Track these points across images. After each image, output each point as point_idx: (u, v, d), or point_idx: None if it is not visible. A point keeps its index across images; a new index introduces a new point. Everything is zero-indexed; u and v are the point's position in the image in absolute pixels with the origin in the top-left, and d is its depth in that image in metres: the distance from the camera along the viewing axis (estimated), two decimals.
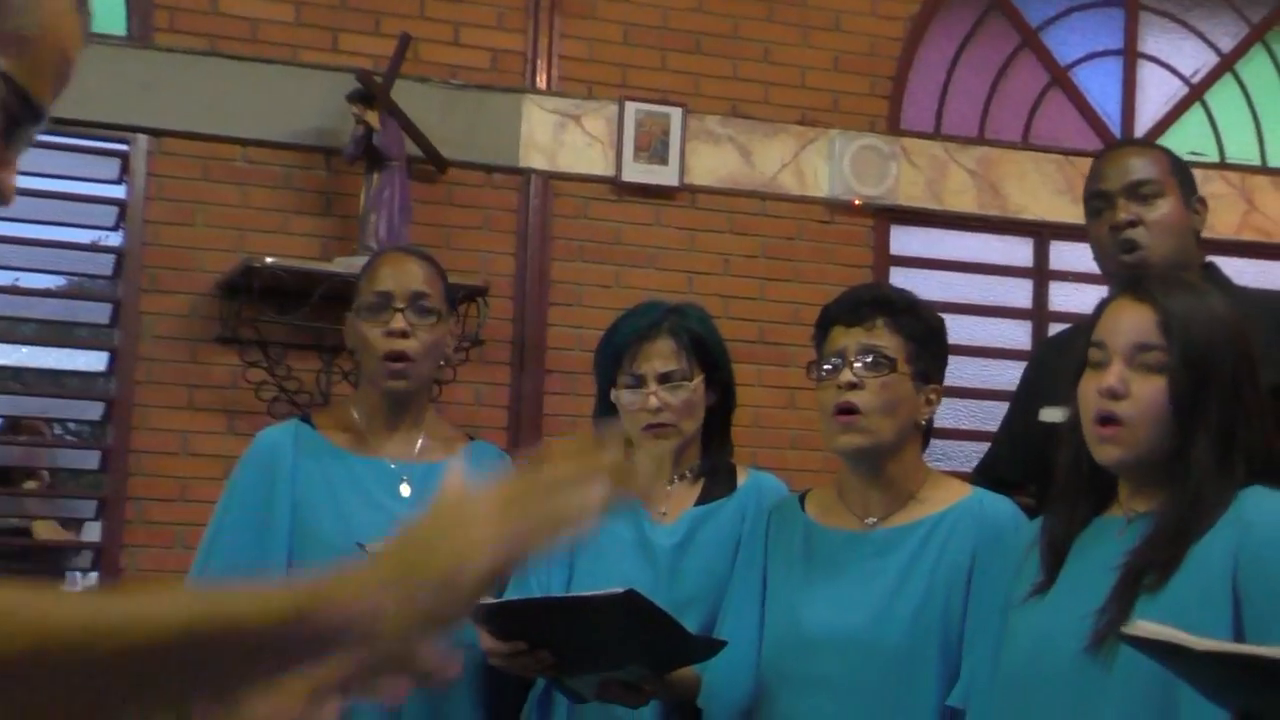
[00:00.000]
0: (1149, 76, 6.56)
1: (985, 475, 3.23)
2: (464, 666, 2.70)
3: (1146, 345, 2.04)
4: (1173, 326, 2.03)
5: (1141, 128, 6.52)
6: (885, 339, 2.50)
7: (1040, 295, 6.35)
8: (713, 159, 5.90)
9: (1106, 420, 2.03)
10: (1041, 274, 6.36)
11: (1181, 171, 2.94)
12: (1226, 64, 6.58)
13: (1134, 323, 2.06)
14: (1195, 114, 6.53)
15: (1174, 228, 2.86)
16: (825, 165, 6.00)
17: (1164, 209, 2.86)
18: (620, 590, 2.31)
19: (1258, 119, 6.55)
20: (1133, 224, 2.83)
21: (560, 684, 2.61)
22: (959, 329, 6.21)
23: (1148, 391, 2.02)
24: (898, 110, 6.18)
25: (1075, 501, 2.14)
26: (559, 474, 1.14)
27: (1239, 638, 1.90)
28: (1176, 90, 6.59)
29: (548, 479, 1.14)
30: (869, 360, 2.48)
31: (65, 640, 0.95)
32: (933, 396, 2.55)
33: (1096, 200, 2.92)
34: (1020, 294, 6.37)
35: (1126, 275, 2.81)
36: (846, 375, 2.47)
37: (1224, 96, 6.56)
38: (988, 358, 6.29)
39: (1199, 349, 2.02)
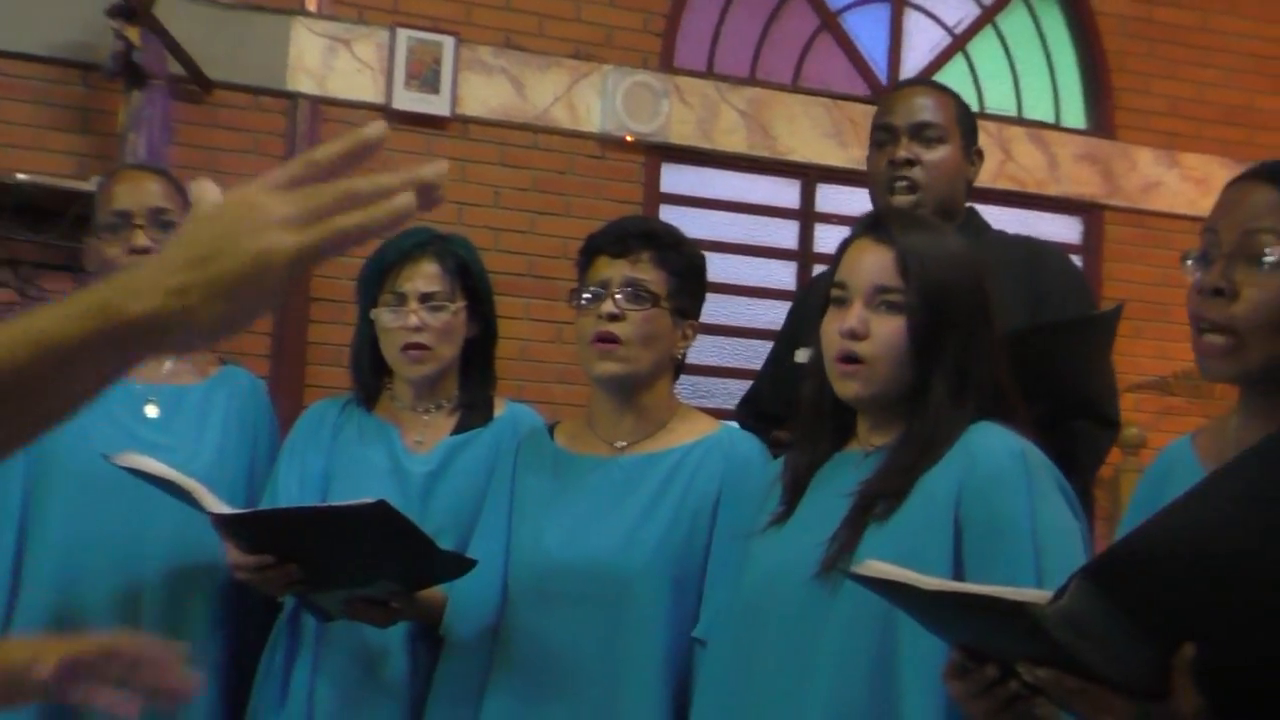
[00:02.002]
0: (915, 25, 6.71)
1: (748, 408, 3.31)
2: (201, 587, 2.72)
3: (886, 286, 2.10)
4: (911, 267, 2.09)
5: (907, 75, 6.67)
6: (649, 273, 2.53)
7: (806, 237, 6.48)
8: (485, 90, 5.86)
9: (848, 359, 2.09)
10: (808, 216, 6.48)
11: (966, 120, 3.04)
12: (988, 16, 6.77)
13: (874, 263, 2.11)
14: (957, 63, 6.71)
15: (949, 173, 2.95)
16: (598, 100, 6.01)
17: (943, 153, 2.95)
18: (371, 501, 2.31)
19: (1015, 71, 6.76)
20: (911, 162, 2.91)
21: (307, 601, 2.60)
22: (726, 268, 6.31)
23: (887, 330, 2.08)
24: (671, 48, 6.22)
25: (816, 436, 2.19)
26: (341, 153, 1.12)
27: (958, 566, 1.97)
28: (941, 39, 6.75)
29: (330, 159, 1.11)
30: (631, 292, 2.51)
31: None
32: (689, 332, 2.59)
33: (881, 133, 3.00)
34: (787, 235, 6.49)
35: (869, 215, 2.92)
36: (608, 305, 2.50)
37: (984, 48, 6.75)
38: (753, 297, 6.40)
39: (937, 289, 2.08)
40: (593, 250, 2.58)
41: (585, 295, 2.54)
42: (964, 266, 2.13)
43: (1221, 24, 6.93)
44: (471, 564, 2.46)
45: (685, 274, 2.57)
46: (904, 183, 2.91)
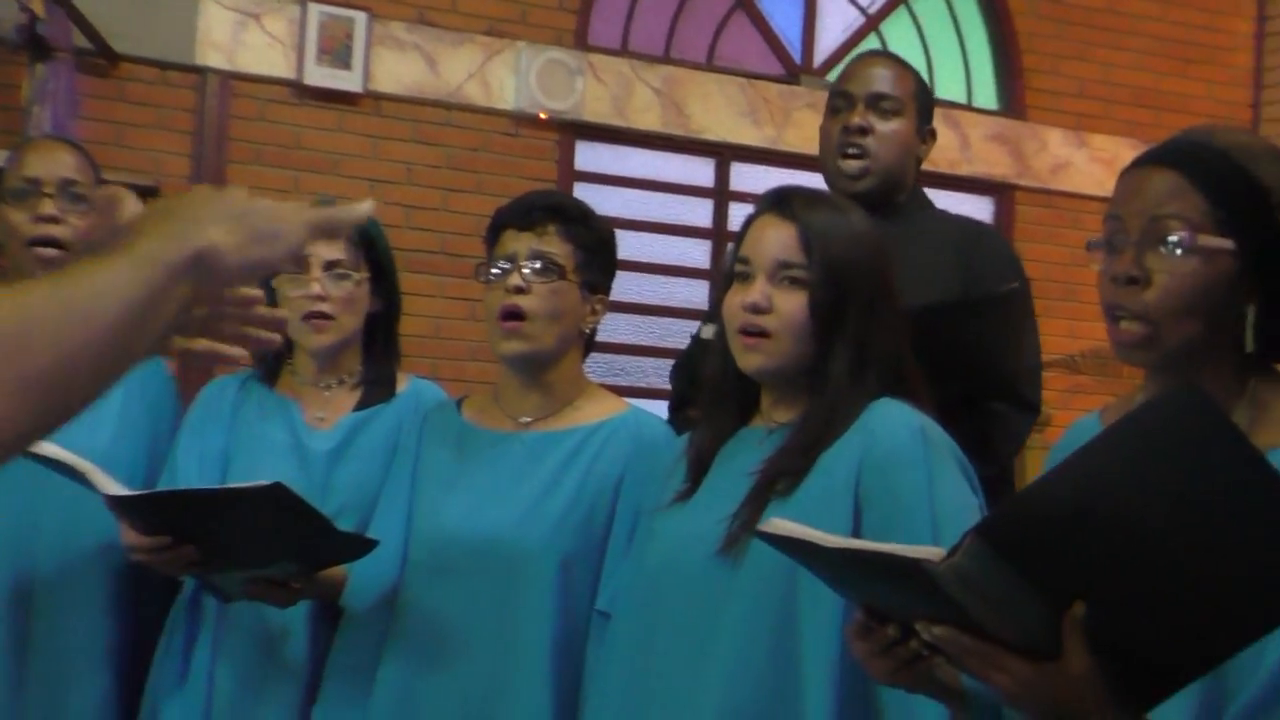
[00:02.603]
0: (829, 4, 6.74)
1: (683, 373, 3.30)
2: (96, 569, 2.68)
3: (789, 263, 2.11)
4: (813, 243, 2.10)
5: (821, 55, 6.71)
6: (556, 246, 2.52)
7: (720, 215, 6.50)
8: (398, 66, 5.82)
9: (750, 332, 2.10)
10: (722, 194, 6.50)
11: (923, 97, 3.06)
12: None
13: (777, 239, 2.12)
14: (871, 43, 6.74)
15: (900, 146, 2.97)
16: (512, 77, 5.99)
17: (896, 126, 2.97)
18: (267, 483, 2.29)
19: (928, 52, 6.81)
20: (864, 130, 2.93)
21: (206, 582, 2.58)
22: (641, 246, 6.32)
23: (790, 305, 2.09)
24: (585, 25, 6.21)
25: (720, 412, 2.20)
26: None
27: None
28: (854, 20, 6.79)
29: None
30: (538, 266, 2.50)
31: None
32: (598, 307, 2.58)
33: (838, 99, 3.01)
34: (701, 213, 6.51)
35: (843, 180, 2.93)
36: (515, 279, 2.49)
37: (898, 28, 6.79)
38: (668, 275, 6.41)
39: (839, 266, 2.09)
40: (500, 225, 2.57)
41: (493, 270, 2.53)
42: (866, 245, 2.14)
43: (1130, 7, 7.01)
44: (372, 544, 2.44)
45: (593, 248, 2.56)
46: (854, 149, 2.93)
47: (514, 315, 2.49)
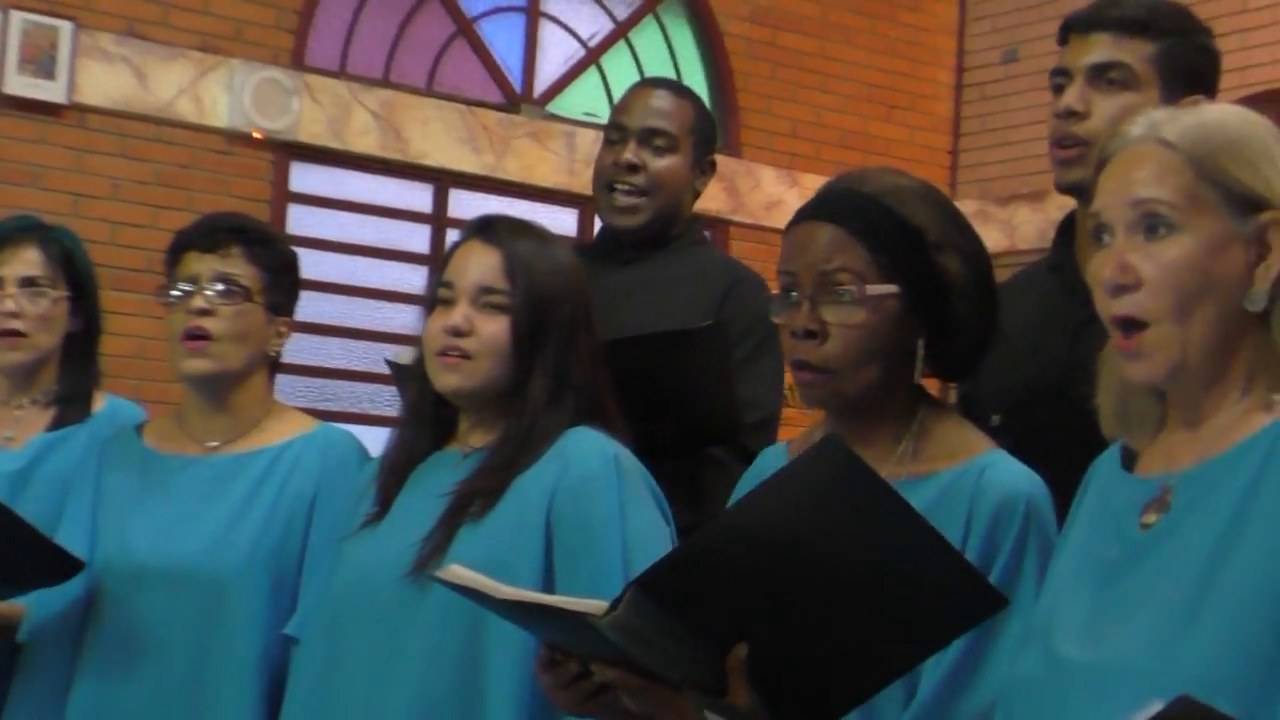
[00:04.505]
0: (550, 35, 6.81)
1: None
2: None
3: (491, 288, 2.12)
4: (517, 271, 2.12)
5: (541, 85, 6.77)
6: (240, 267, 2.50)
7: (438, 241, 6.49)
8: (105, 79, 5.65)
9: (448, 353, 2.11)
10: (440, 221, 6.49)
11: (702, 129, 2.98)
12: (621, 31, 6.91)
13: (480, 265, 2.14)
14: (591, 76, 6.83)
15: (673, 183, 2.90)
16: (225, 95, 5.87)
17: (669, 163, 2.90)
18: None
19: None
20: (634, 168, 2.89)
21: None
22: (356, 271, 6.26)
23: (491, 329, 2.11)
24: (303, 45, 6.14)
25: (416, 434, 2.20)
26: None
27: (549, 568, 2.02)
28: (575, 51, 6.87)
29: None
30: (221, 288, 2.47)
31: None
32: (283, 329, 2.56)
33: (613, 131, 2.94)
34: (418, 239, 6.49)
35: (613, 215, 2.90)
36: (198, 301, 2.46)
37: (617, 61, 6.90)
38: (383, 300, 6.36)
39: (541, 294, 2.12)
40: (181, 246, 2.53)
41: (174, 292, 2.49)
42: (568, 275, 2.17)
43: (839, 53, 7.27)
44: (78, 566, 2.35)
45: (277, 270, 2.54)
46: (625, 187, 2.88)
47: (198, 337, 2.45)
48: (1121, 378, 1.59)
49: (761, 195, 6.98)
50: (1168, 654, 1.39)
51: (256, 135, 5.94)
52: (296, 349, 5.85)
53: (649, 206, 2.88)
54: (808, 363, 1.80)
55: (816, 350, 1.80)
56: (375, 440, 2.68)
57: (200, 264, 2.48)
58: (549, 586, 1.98)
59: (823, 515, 1.48)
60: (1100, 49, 2.27)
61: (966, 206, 7.40)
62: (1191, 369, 1.50)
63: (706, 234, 3.21)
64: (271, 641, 2.39)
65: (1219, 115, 1.55)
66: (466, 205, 6.43)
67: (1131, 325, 1.50)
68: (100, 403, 2.77)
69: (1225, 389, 1.51)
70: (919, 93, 7.52)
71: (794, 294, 1.83)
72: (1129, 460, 1.61)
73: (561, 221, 6.56)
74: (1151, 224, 1.49)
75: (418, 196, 6.46)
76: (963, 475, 1.78)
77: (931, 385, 1.95)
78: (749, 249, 6.91)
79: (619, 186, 2.88)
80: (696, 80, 6.99)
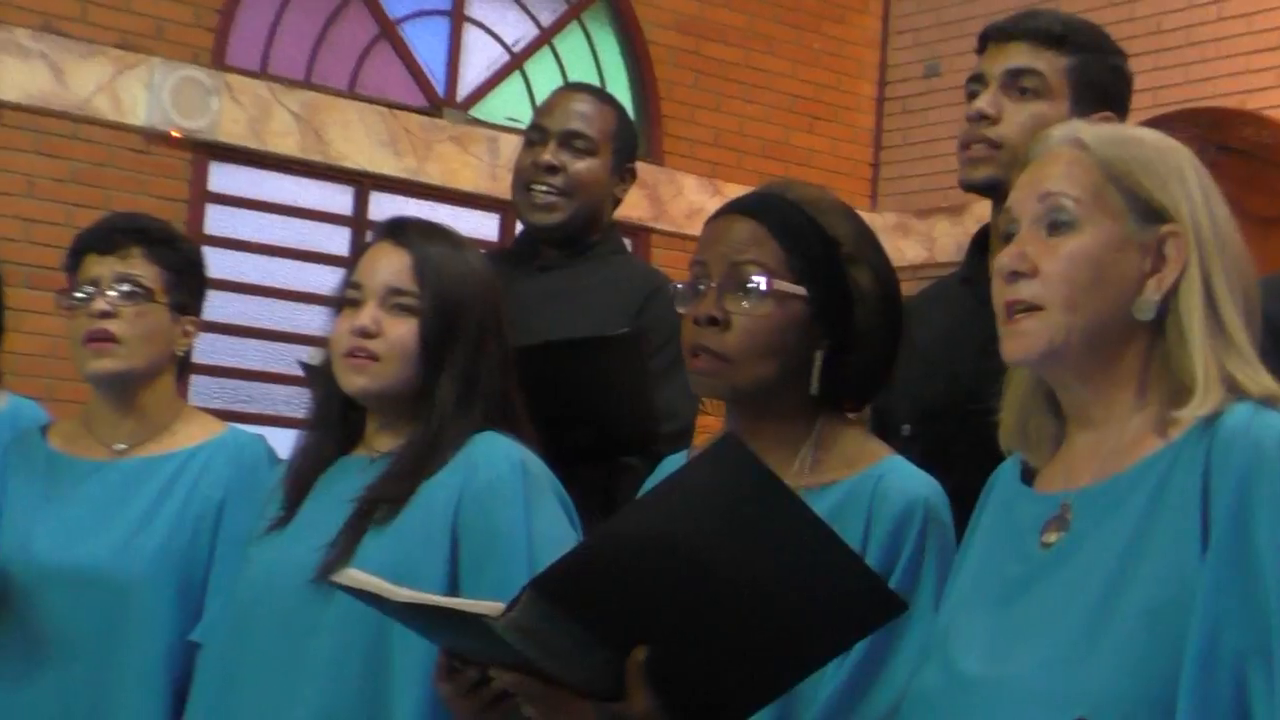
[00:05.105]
0: (474, 40, 6.79)
1: None
2: None
3: (400, 289, 2.11)
4: (427, 273, 2.11)
5: (464, 89, 6.75)
6: (142, 268, 2.48)
7: (358, 244, 6.44)
8: (21, 75, 5.58)
9: (356, 354, 2.09)
10: (360, 223, 6.46)
11: (624, 135, 2.99)
12: (545, 37, 6.91)
13: (390, 266, 2.13)
14: (515, 81, 6.82)
15: (592, 187, 2.90)
16: (144, 93, 5.82)
17: (589, 165, 2.90)
18: None
19: None
20: (553, 169, 2.88)
21: None
22: (274, 272, 6.22)
23: (399, 331, 2.09)
24: (224, 45, 6.09)
25: (322, 438, 2.18)
26: None
27: (454, 574, 2.00)
28: (499, 56, 6.85)
29: None
30: (125, 289, 2.45)
31: None
32: (190, 328, 2.54)
33: (534, 132, 2.95)
34: (338, 241, 6.45)
35: (531, 215, 2.90)
36: (100, 304, 2.43)
37: (542, 68, 6.89)
38: (303, 302, 6.31)
39: (450, 297, 2.11)
40: (81, 249, 2.51)
41: (78, 295, 2.46)
42: (479, 279, 2.16)
43: (763, 63, 7.30)
44: None
45: (181, 269, 2.52)
46: (543, 188, 2.88)
47: (102, 339, 2.43)
48: (1025, 395, 1.61)
49: (683, 203, 7.00)
50: (1068, 673, 1.40)
51: (175, 134, 5.89)
52: (213, 350, 5.80)
53: (567, 206, 2.88)
54: (705, 347, 1.81)
55: (716, 337, 1.81)
56: (292, 443, 2.67)
57: (100, 266, 2.46)
58: (454, 593, 1.96)
59: (720, 514, 1.48)
60: (1016, 56, 2.31)
61: (887, 219, 7.48)
62: (1069, 357, 1.52)
63: (626, 241, 3.21)
64: (176, 647, 2.37)
65: (1139, 132, 1.60)
66: (387, 208, 6.40)
67: (1020, 311, 1.53)
68: (2, 402, 2.73)
69: (1115, 396, 1.53)
70: (841, 104, 7.57)
71: (701, 285, 1.84)
72: (1028, 474, 1.63)
73: (483, 227, 6.55)
74: (1055, 219, 1.52)
75: (338, 199, 6.43)
76: (861, 483, 1.80)
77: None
78: (670, 257, 6.92)
79: (537, 187, 2.88)
80: (620, 87, 7.00)
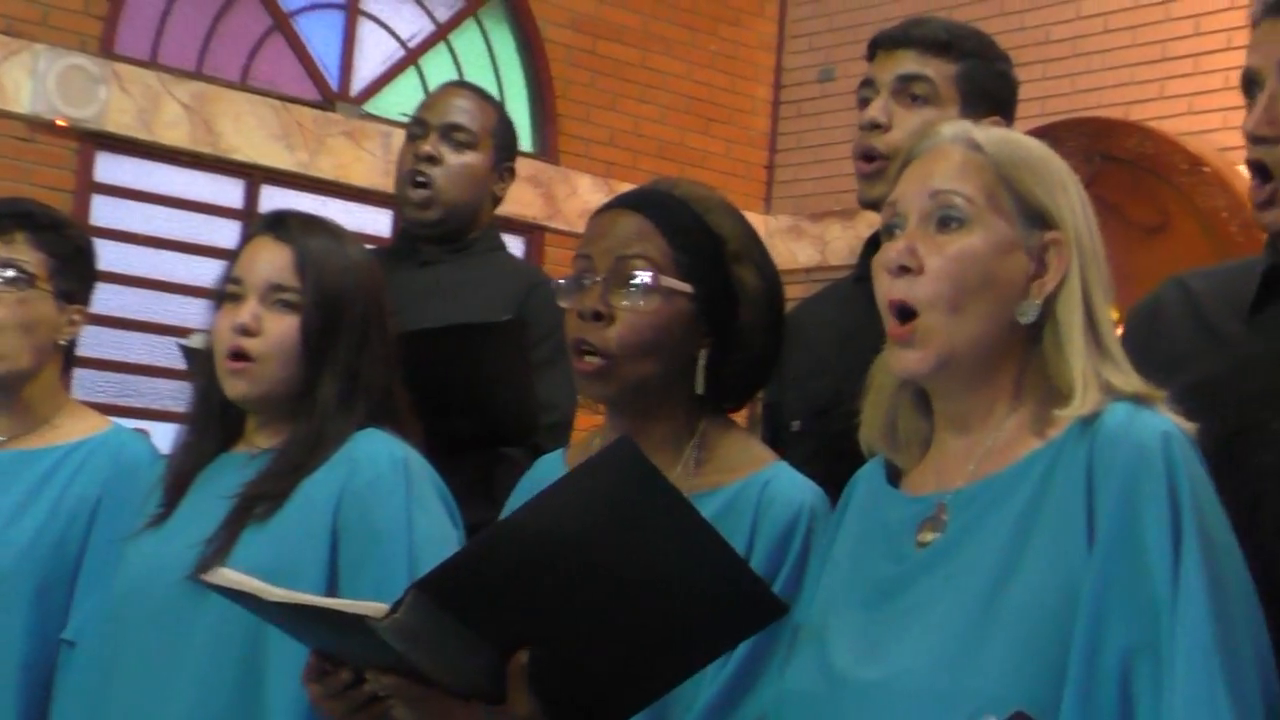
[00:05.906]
0: (369, 34, 6.74)
1: None
2: None
3: (281, 285, 2.08)
4: (308, 268, 2.08)
5: (359, 84, 6.70)
6: (25, 254, 2.43)
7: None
8: None
9: (237, 355, 2.07)
10: (251, 216, 6.37)
11: (504, 134, 3.03)
12: (441, 33, 6.87)
13: (271, 261, 2.10)
14: (410, 76, 6.78)
15: (470, 181, 2.93)
16: (29, 80, 5.71)
17: (468, 159, 2.93)
18: None
19: None
20: (433, 160, 2.89)
21: None
22: (162, 265, 6.12)
23: (279, 328, 2.07)
24: (113, 33, 5.99)
25: (202, 434, 2.15)
26: None
27: (333, 573, 1.98)
28: (394, 51, 6.81)
29: None
30: (9, 275, 2.40)
31: None
32: (76, 317, 2.49)
33: (415, 126, 2.97)
34: (228, 234, 6.36)
35: (411, 208, 2.90)
36: None
37: (437, 63, 6.85)
38: (192, 296, 6.22)
39: (332, 292, 2.08)
40: None
41: None
42: (361, 273, 2.14)
43: (659, 63, 7.31)
44: None
45: (66, 256, 2.47)
46: (422, 178, 2.89)
47: None
48: (891, 396, 1.62)
49: (578, 202, 6.99)
50: (956, 672, 1.41)
51: (61, 123, 5.78)
52: (98, 343, 5.70)
53: (443, 201, 2.91)
54: (589, 343, 1.80)
55: (600, 332, 1.80)
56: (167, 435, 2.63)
57: None
58: (333, 592, 1.94)
59: (607, 516, 1.48)
60: (905, 64, 2.34)
61: (780, 221, 7.52)
62: (959, 365, 1.53)
63: (517, 240, 3.23)
64: (37, 644, 2.32)
65: (1025, 139, 1.62)
66: (279, 202, 6.32)
67: (905, 312, 1.53)
68: None
69: (992, 399, 1.55)
70: (737, 107, 7.60)
71: (586, 280, 1.83)
72: (893, 476, 1.64)
73: (376, 222, 6.50)
74: (945, 216, 1.54)
75: (228, 192, 6.34)
76: (745, 489, 1.79)
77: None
78: (564, 255, 6.91)
79: (417, 179, 2.90)
80: (516, 85, 6.97)
